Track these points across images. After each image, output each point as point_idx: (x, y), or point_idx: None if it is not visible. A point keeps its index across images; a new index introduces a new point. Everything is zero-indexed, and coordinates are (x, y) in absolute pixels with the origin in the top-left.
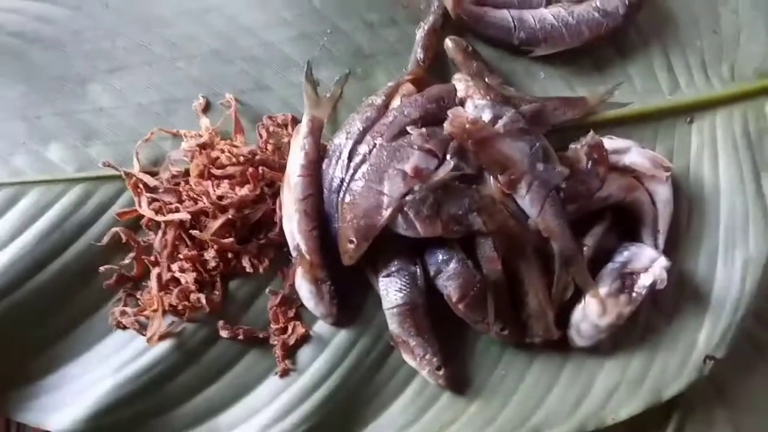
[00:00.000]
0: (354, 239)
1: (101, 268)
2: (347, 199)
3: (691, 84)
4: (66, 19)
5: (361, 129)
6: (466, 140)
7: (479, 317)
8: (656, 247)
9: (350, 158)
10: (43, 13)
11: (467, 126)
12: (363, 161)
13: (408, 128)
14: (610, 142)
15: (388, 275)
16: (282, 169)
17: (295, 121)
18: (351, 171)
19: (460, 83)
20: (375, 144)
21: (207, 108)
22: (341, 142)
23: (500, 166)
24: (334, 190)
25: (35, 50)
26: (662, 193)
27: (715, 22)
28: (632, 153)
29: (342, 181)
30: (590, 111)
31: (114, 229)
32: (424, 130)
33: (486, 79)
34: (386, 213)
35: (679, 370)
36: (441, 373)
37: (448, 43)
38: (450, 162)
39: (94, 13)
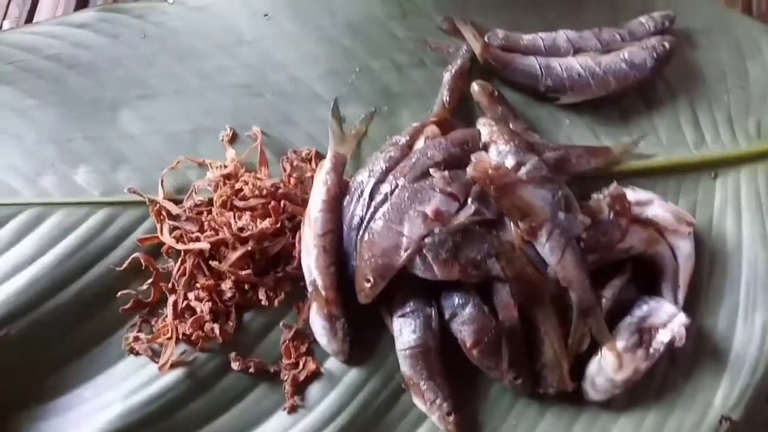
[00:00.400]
0: (371, 278)
1: (119, 293)
2: (366, 237)
3: (716, 139)
4: (103, 46)
5: (383, 168)
6: (489, 185)
7: (493, 364)
8: (676, 302)
9: (371, 197)
10: (81, 40)
11: (490, 171)
12: (384, 201)
13: (431, 170)
14: (632, 194)
15: (402, 315)
16: (304, 203)
17: (319, 156)
18: (372, 210)
19: (485, 128)
20: (397, 184)
21: (234, 139)
22: (363, 179)
23: (521, 212)
24: (353, 228)
25: (71, 75)
26: (684, 247)
27: (743, 77)
28: (655, 206)
29: (362, 219)
30: (614, 161)
31: (134, 255)
32: (446, 173)
33: (511, 125)
34: (404, 254)
35: (694, 430)
36: (451, 419)
37: (475, 86)
38: (471, 206)
39: (131, 41)
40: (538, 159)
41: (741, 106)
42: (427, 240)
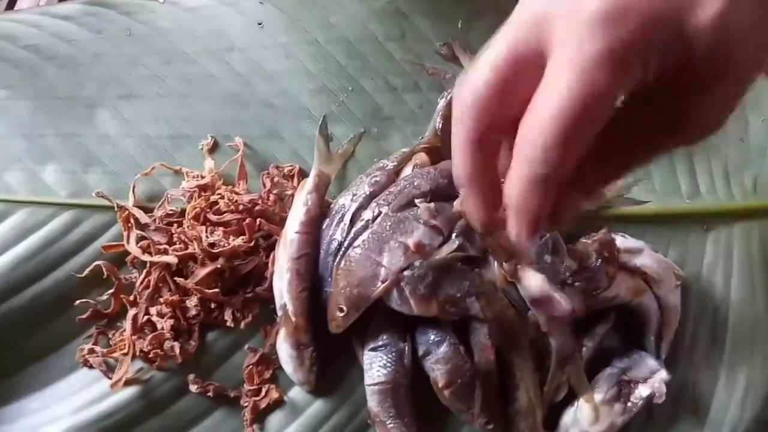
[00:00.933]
0: (344, 307)
1: (77, 302)
2: (343, 264)
3: (711, 191)
4: (86, 40)
5: (368, 193)
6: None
7: (464, 406)
8: (658, 355)
9: (352, 222)
10: (64, 32)
11: None
12: (365, 228)
13: (416, 201)
14: (622, 241)
15: (374, 349)
16: (282, 222)
17: (302, 174)
18: (351, 236)
19: None
20: (380, 212)
21: (214, 149)
22: (346, 203)
23: (507, 253)
24: (331, 253)
25: (49, 68)
26: (670, 300)
27: (743, 129)
28: (644, 255)
29: (340, 244)
30: (605, 205)
31: (97, 262)
32: (432, 205)
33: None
34: (381, 285)
35: None
36: None
37: None
38: (455, 242)
39: (115, 38)
40: None
41: (739, 159)
42: (406, 273)
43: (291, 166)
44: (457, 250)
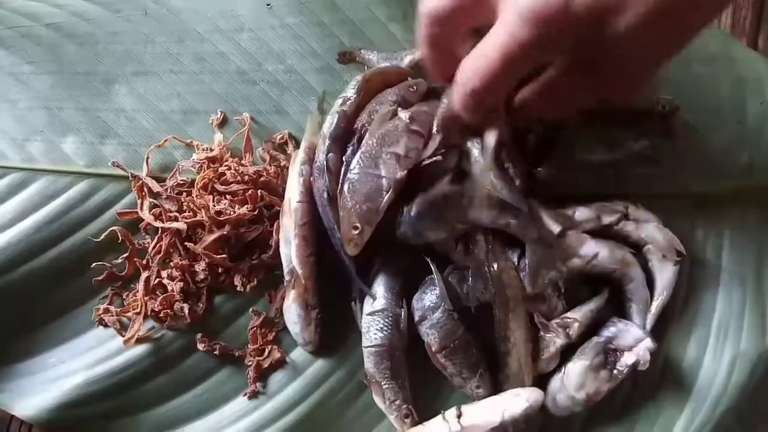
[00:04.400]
0: (358, 224)
1: (93, 264)
2: (345, 189)
3: (707, 170)
4: (104, 19)
5: (328, 135)
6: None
7: (456, 371)
8: (644, 326)
9: (329, 168)
10: (83, 11)
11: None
12: (354, 153)
13: (399, 110)
14: (634, 210)
15: (372, 314)
16: (283, 193)
17: (293, 138)
18: (345, 164)
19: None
20: (361, 135)
21: (223, 123)
22: (320, 157)
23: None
24: (325, 204)
25: (69, 45)
26: (665, 276)
27: (741, 112)
28: (651, 226)
29: (328, 191)
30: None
31: (112, 228)
32: (407, 112)
33: None
34: (387, 195)
35: None
36: (408, 421)
37: None
38: (436, 137)
39: (132, 17)
40: None
41: (735, 141)
42: (413, 212)
43: (281, 133)
44: (440, 144)
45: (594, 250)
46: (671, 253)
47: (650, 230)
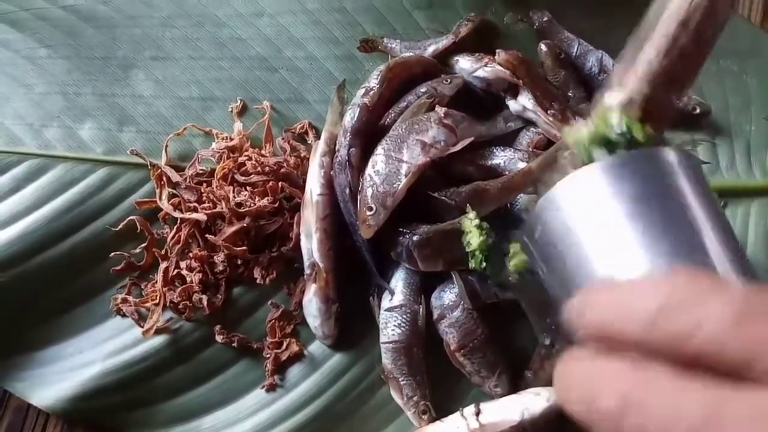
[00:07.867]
0: (372, 205)
1: (112, 254)
2: (367, 171)
3: (731, 168)
4: (122, 2)
5: (348, 129)
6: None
7: (474, 369)
8: None
9: (350, 163)
10: None
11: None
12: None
13: (437, 106)
14: None
15: (390, 309)
16: (304, 185)
17: (313, 128)
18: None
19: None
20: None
21: (243, 111)
22: (341, 151)
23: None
24: (347, 200)
25: (87, 28)
26: None
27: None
28: None
29: (350, 186)
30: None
31: (131, 217)
32: (445, 108)
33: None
34: (404, 179)
35: None
36: (425, 417)
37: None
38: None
39: (151, 1)
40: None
41: (762, 138)
42: (415, 238)
43: (301, 123)
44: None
45: None
46: None
47: None
